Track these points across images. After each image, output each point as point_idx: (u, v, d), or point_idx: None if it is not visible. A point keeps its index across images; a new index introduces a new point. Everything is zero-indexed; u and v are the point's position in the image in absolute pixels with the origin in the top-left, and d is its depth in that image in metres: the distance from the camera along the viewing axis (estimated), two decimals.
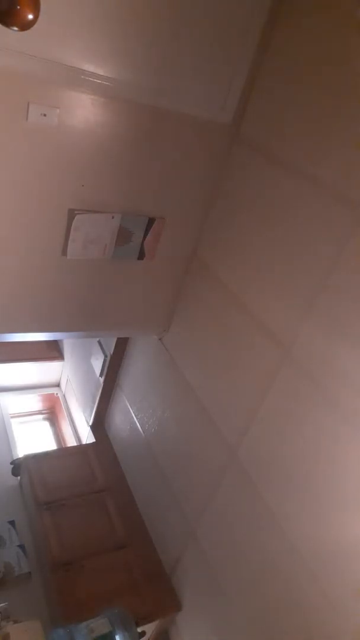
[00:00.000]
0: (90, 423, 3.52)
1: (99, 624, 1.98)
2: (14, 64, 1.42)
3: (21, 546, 2.76)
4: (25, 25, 0.90)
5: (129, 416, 3.08)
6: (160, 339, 2.64)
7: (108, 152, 1.77)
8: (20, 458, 3.18)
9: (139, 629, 2.08)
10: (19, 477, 3.20)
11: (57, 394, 4.22)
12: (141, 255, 2.13)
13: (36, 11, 0.90)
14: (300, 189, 1.69)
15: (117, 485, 3.10)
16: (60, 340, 4.16)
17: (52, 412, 4.32)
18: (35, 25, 0.92)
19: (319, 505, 1.66)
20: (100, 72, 1.56)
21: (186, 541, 2.49)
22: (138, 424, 2.96)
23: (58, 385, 4.29)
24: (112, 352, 3.08)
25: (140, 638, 2.05)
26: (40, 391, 4.20)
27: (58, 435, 4.17)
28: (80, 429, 3.83)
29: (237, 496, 2.08)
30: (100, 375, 3.24)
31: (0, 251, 1.84)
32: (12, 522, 2.87)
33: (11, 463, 3.21)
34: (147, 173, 1.91)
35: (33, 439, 4.03)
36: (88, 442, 3.55)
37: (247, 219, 1.97)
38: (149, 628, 2.52)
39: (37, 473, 3.00)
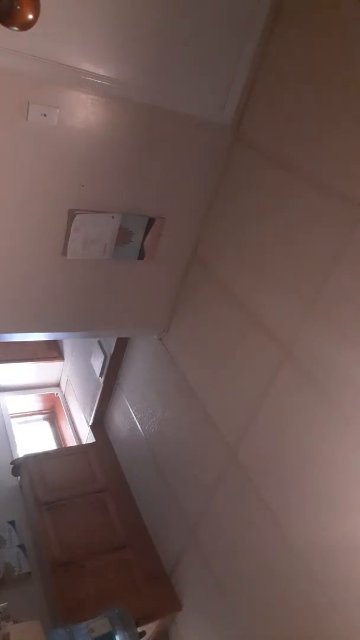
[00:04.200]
0: (90, 423, 3.52)
1: (99, 624, 1.98)
2: (14, 64, 1.42)
3: (21, 546, 2.77)
4: (25, 25, 0.91)
5: (129, 416, 3.08)
6: (160, 339, 2.64)
7: (108, 152, 1.77)
8: (20, 458, 3.18)
9: (139, 629, 2.08)
10: (19, 477, 3.20)
11: (57, 394, 4.22)
12: (141, 255, 2.13)
13: (36, 11, 0.90)
14: (300, 188, 1.69)
15: (117, 485, 3.10)
16: (60, 340, 4.16)
17: (52, 412, 4.32)
18: (35, 25, 0.92)
19: (319, 505, 1.66)
20: (100, 72, 1.56)
21: (186, 541, 2.49)
22: (138, 424, 2.96)
23: (58, 385, 4.29)
24: (112, 352, 3.08)
25: (140, 638, 2.05)
26: (40, 391, 4.20)
27: (58, 435, 4.17)
28: (80, 429, 3.83)
29: (236, 496, 2.08)
30: (100, 375, 3.24)
31: (0, 251, 1.84)
32: (12, 522, 2.87)
33: (11, 463, 3.21)
34: (147, 173, 1.91)
35: (33, 439, 4.03)
36: (88, 442, 3.55)
37: (247, 219, 1.97)
38: (149, 628, 2.52)
39: (37, 473, 3.00)
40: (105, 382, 3.22)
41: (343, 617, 1.58)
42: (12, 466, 3.19)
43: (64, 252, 1.94)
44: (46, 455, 3.20)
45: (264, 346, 1.88)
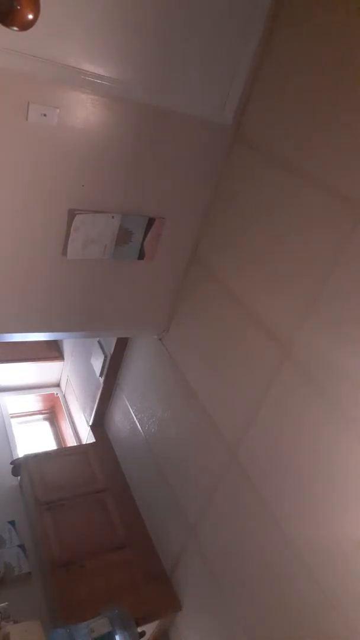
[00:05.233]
0: (90, 423, 3.53)
1: (99, 624, 1.98)
2: (14, 64, 1.42)
3: (21, 546, 2.76)
4: (25, 25, 0.90)
5: (129, 416, 3.08)
6: (160, 339, 2.64)
7: (108, 152, 1.77)
8: (20, 458, 3.18)
9: (139, 629, 2.08)
10: (19, 477, 3.20)
11: (57, 394, 4.22)
12: (141, 255, 2.13)
13: (36, 11, 0.89)
14: (301, 188, 1.69)
15: (117, 485, 3.10)
16: (60, 340, 4.16)
17: (52, 412, 4.32)
18: (36, 25, 0.92)
19: (318, 506, 1.66)
20: (101, 72, 1.56)
21: (186, 541, 2.49)
22: (138, 424, 2.96)
23: (58, 385, 4.29)
24: (112, 352, 3.08)
25: (140, 638, 2.05)
26: (40, 391, 4.20)
27: (58, 435, 4.17)
28: (80, 429, 3.83)
29: (236, 496, 2.08)
30: (100, 375, 3.24)
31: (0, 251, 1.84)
32: (12, 522, 2.87)
33: (11, 463, 3.21)
34: (147, 173, 1.91)
35: (33, 439, 4.03)
36: (88, 442, 3.55)
37: (247, 219, 1.97)
38: (149, 628, 2.52)
39: (37, 473, 3.00)
40: (105, 382, 3.22)
41: (343, 617, 1.58)
42: (12, 466, 3.19)
43: (64, 252, 1.94)
44: (46, 455, 3.20)
45: (264, 346, 1.88)
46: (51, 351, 4.14)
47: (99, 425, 3.52)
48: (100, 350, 3.21)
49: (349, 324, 1.52)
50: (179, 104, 1.77)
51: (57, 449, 3.85)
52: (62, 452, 3.49)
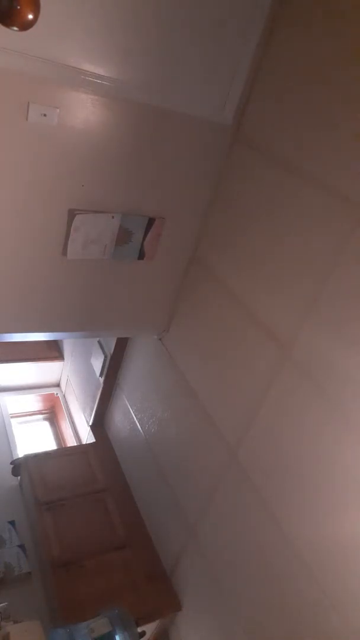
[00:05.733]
0: (90, 423, 3.53)
1: (99, 624, 1.98)
2: (14, 64, 1.42)
3: (21, 546, 2.76)
4: (25, 25, 0.91)
5: (129, 416, 3.08)
6: (160, 339, 2.64)
7: (108, 152, 1.77)
8: (20, 458, 3.18)
9: (139, 629, 2.08)
10: (19, 477, 3.20)
11: (57, 394, 4.22)
12: (141, 255, 2.13)
13: (36, 11, 0.90)
14: (301, 188, 1.69)
15: (117, 485, 3.10)
16: (60, 340, 4.16)
17: (52, 412, 4.32)
18: (36, 25, 0.92)
19: (318, 506, 1.66)
20: (101, 72, 1.56)
21: (186, 541, 2.49)
22: (138, 424, 2.96)
23: (58, 385, 4.29)
24: (112, 352, 3.08)
25: (140, 638, 2.05)
26: (40, 391, 4.21)
27: (58, 435, 4.17)
28: (80, 429, 3.83)
29: (236, 496, 2.08)
30: (100, 375, 3.24)
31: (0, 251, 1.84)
32: (12, 522, 2.87)
33: (11, 463, 3.21)
34: (147, 173, 1.91)
35: (33, 439, 4.03)
36: (88, 442, 3.55)
37: (247, 219, 1.97)
38: (149, 628, 2.52)
39: (37, 473, 3.01)
40: (105, 382, 3.22)
41: (343, 617, 1.58)
42: (12, 466, 3.19)
43: (64, 253, 1.94)
44: (46, 455, 3.20)
45: (264, 346, 1.88)
46: (51, 351, 4.14)
47: (99, 425, 3.52)
48: (100, 350, 3.21)
49: (349, 324, 1.52)
50: (179, 104, 1.77)
51: (57, 449, 3.85)
52: (62, 452, 3.49)
